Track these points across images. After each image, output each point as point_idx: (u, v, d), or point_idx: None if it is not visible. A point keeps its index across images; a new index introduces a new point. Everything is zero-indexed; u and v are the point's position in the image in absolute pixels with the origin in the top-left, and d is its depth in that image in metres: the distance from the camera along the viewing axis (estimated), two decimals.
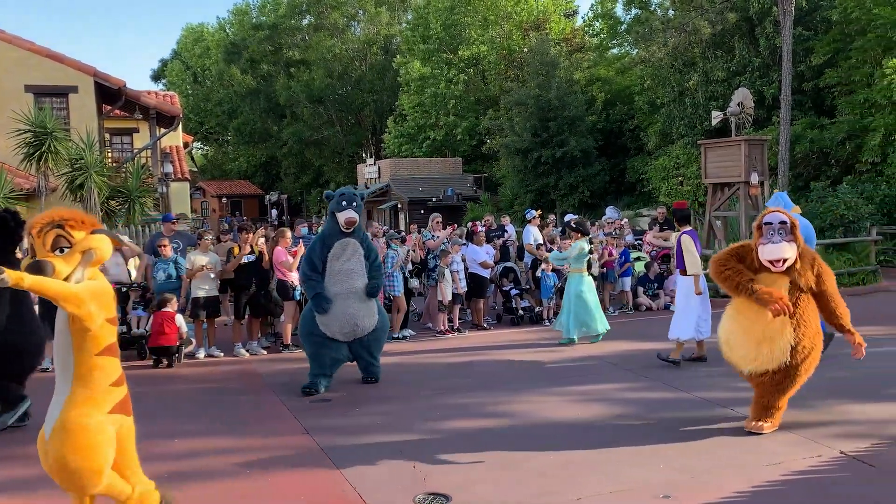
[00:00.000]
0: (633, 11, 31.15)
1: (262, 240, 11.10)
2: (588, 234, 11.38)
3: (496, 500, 5.15)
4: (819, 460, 5.75)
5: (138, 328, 10.66)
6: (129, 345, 10.69)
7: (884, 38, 20.03)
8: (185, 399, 8.35)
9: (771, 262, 6.02)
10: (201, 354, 10.63)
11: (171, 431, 7.00)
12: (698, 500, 5.05)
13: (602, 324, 10.89)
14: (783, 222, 6.07)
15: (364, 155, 43.83)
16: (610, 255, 13.67)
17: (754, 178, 15.38)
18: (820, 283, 6.17)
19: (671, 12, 27.04)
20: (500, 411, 7.44)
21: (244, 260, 10.63)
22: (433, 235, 12.78)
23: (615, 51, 38.25)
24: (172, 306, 10.02)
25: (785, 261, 6.01)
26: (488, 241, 13.53)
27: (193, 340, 10.72)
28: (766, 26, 23.28)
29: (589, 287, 10.97)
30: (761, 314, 6.03)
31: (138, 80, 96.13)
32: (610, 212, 18.87)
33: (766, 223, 6.14)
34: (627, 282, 14.04)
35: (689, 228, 9.69)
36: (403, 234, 13.35)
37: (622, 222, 17.26)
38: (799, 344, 6.02)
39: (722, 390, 7.98)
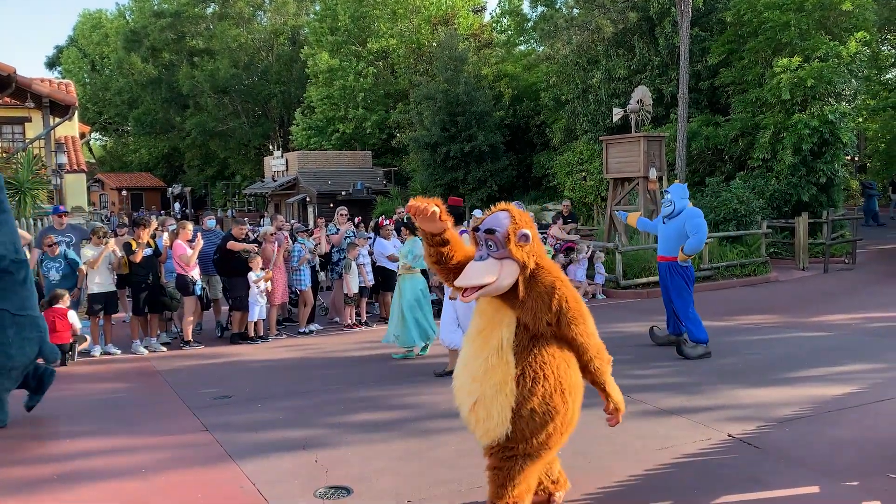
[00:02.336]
0: (539, 9, 31.57)
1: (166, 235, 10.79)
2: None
3: (397, 491, 5.17)
4: (709, 443, 6.01)
5: None
6: None
7: (773, 39, 20.97)
8: (78, 399, 8.03)
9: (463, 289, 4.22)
10: (97, 352, 10.26)
11: (62, 432, 6.74)
12: (593, 485, 5.20)
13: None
14: (490, 231, 4.20)
15: (271, 147, 42.96)
16: None
17: (653, 174, 15.89)
18: (563, 325, 4.23)
19: (575, 10, 27.53)
20: (404, 403, 7.46)
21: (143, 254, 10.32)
22: (337, 229, 12.68)
23: (522, 47, 38.74)
24: (64, 302, 9.61)
25: (479, 288, 4.15)
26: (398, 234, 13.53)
27: (88, 337, 10.33)
28: (665, 26, 24.03)
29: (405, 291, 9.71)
30: (479, 351, 4.30)
31: (31, 67, 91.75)
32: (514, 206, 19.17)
33: (473, 230, 4.38)
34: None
35: (462, 229, 8.80)
36: (311, 227, 13.18)
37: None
38: (524, 406, 4.13)
39: (620, 377, 8.13)
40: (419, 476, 5.45)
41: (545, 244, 15.21)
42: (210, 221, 12.24)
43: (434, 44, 35.22)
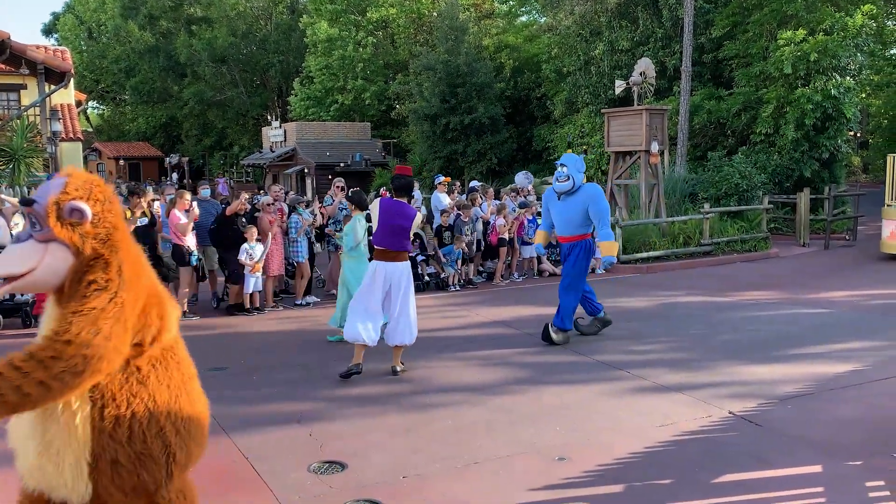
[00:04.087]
0: None
1: (157, 204, 10.62)
2: (365, 207, 8.98)
3: (392, 467, 5.08)
4: (709, 420, 5.92)
5: (22, 295, 10.08)
6: (13, 312, 10.17)
7: (779, 11, 20.68)
8: None
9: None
10: None
11: None
12: (593, 462, 5.11)
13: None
14: (29, 202, 2.90)
15: (269, 117, 42.60)
16: (521, 224, 13.70)
17: (655, 147, 15.70)
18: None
19: None
20: (402, 377, 7.37)
21: (139, 223, 10.18)
22: (332, 200, 12.52)
23: (524, 18, 38.29)
24: None
25: (10, 281, 2.86)
26: None
27: None
28: None
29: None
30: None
31: (28, 34, 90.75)
32: (520, 178, 18.96)
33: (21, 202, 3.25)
34: (540, 248, 14.08)
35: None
36: (308, 198, 13.02)
37: (528, 188, 17.39)
38: (102, 458, 2.82)
39: (620, 353, 8.15)
40: (415, 451, 5.36)
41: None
42: (205, 191, 12.07)
43: (434, 13, 34.77)
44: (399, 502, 4.56)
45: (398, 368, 7.47)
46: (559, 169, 8.72)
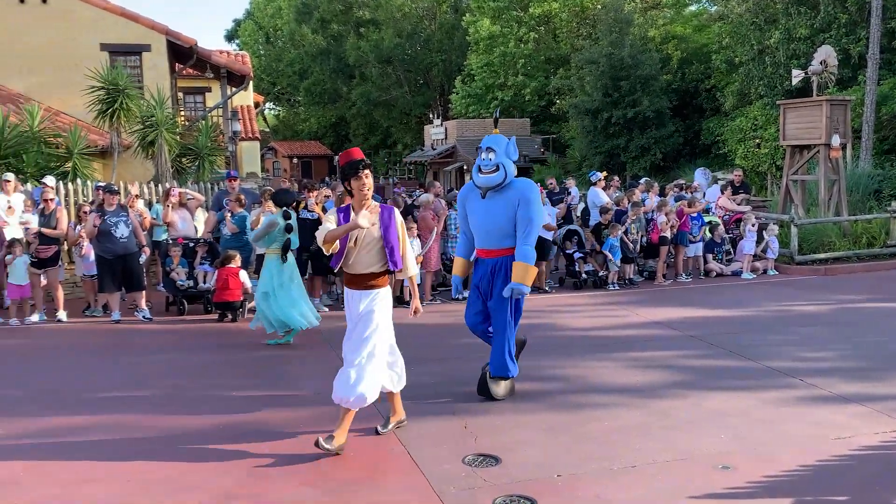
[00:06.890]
0: None
1: (311, 200, 11.06)
2: (285, 205, 9.04)
3: (546, 464, 5.03)
4: (892, 435, 5.45)
5: (205, 283, 10.85)
6: (196, 299, 10.96)
7: None
8: (243, 353, 8.45)
9: None
10: None
11: (226, 384, 7.08)
12: (759, 473, 4.83)
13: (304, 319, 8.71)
14: None
15: (431, 116, 43.53)
16: (682, 218, 13.17)
17: (836, 141, 14.63)
18: None
19: None
20: (555, 375, 7.29)
21: (309, 217, 10.69)
22: None
23: (693, 7, 36.86)
24: (236, 262, 10.15)
25: None
26: (552, 204, 13.27)
27: None
28: None
29: (283, 275, 8.78)
30: None
31: (213, 40, 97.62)
32: (698, 175, 18.32)
33: None
34: (700, 247, 13.52)
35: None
36: None
37: (695, 184, 16.76)
38: None
39: (791, 360, 7.66)
40: (568, 450, 5.28)
41: (711, 213, 14.40)
42: None
43: (598, 6, 34.18)
44: (552, 501, 4.50)
45: (323, 444, 5.13)
46: (484, 155, 6.29)
